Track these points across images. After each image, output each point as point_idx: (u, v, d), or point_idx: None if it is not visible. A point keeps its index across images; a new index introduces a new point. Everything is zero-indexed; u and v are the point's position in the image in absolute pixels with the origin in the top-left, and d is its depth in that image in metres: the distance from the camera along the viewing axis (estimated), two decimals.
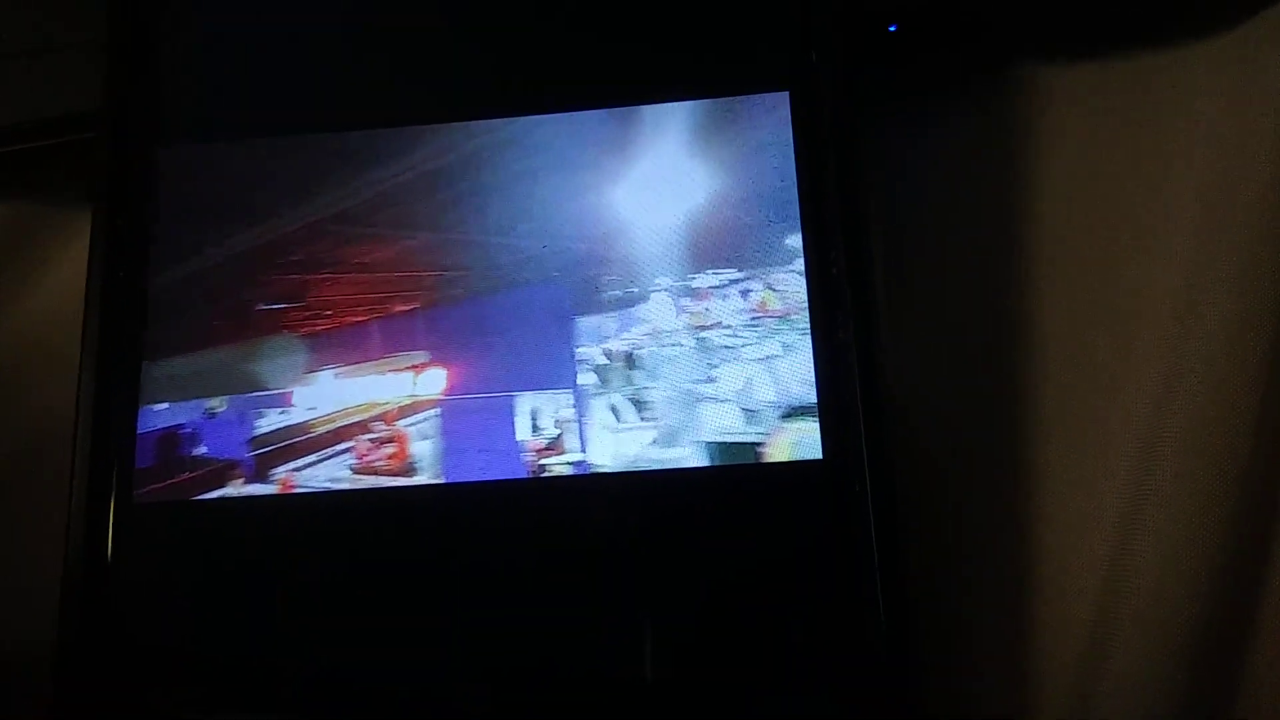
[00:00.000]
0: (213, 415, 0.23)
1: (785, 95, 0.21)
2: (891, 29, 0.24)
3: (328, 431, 0.22)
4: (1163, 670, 0.20)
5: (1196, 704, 0.20)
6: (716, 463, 0.20)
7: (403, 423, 0.22)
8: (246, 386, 0.22)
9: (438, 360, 0.22)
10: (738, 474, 0.20)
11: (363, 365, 0.22)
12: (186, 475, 0.22)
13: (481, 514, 0.21)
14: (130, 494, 0.22)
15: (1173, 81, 0.25)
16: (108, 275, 0.23)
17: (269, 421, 0.22)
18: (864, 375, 0.20)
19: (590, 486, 0.21)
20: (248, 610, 0.21)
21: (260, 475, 0.22)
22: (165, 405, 0.22)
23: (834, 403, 0.20)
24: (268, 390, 0.22)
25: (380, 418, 0.22)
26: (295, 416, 0.22)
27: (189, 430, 0.22)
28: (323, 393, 0.22)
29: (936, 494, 0.22)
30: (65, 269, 0.28)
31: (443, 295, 0.22)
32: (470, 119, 0.23)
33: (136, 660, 0.21)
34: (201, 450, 0.22)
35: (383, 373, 0.22)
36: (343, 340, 0.22)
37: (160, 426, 0.22)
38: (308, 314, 0.23)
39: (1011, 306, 0.24)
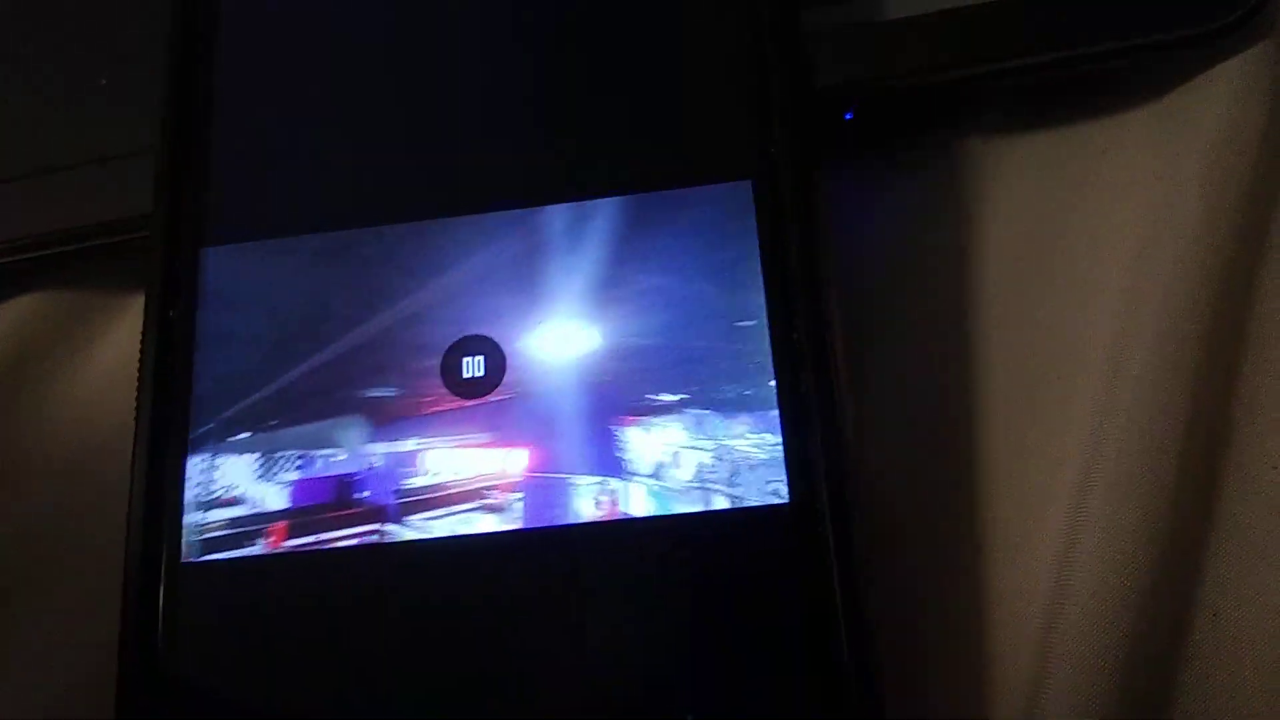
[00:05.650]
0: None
1: (748, 184, 0.23)
2: (848, 116, 0.27)
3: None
4: (1099, 682, 0.22)
5: (1131, 712, 0.22)
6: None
7: None
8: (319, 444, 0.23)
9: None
10: (711, 517, 0.22)
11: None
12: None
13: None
14: (180, 554, 0.22)
15: (1104, 148, 0.27)
16: (160, 360, 0.25)
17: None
18: (824, 427, 0.22)
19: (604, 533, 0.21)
20: (320, 671, 0.21)
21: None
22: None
23: (798, 453, 0.22)
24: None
25: None
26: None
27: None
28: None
29: (894, 529, 0.25)
30: (110, 350, 0.31)
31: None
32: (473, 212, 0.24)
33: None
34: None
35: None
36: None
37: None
38: None
39: (962, 360, 0.26)
